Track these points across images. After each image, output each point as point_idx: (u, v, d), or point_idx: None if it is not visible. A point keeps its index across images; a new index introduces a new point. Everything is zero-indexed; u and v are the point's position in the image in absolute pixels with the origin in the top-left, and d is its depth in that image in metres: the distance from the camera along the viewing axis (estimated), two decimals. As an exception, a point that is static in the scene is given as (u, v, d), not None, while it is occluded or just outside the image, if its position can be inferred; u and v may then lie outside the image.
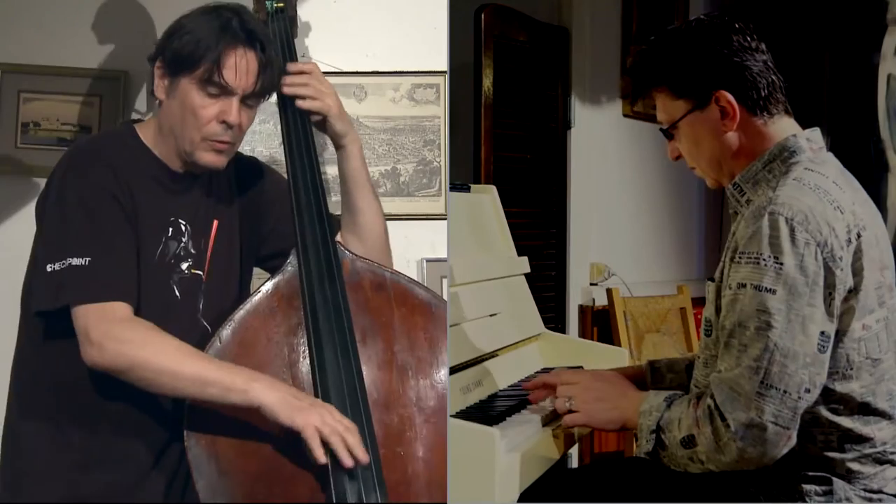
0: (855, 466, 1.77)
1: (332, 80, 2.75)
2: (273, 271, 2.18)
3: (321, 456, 1.81)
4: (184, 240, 2.04)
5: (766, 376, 1.66)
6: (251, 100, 2.01)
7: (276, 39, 2.16)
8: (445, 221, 2.73)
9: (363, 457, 1.83)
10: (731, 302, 1.72)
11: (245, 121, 2.02)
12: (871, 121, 4.24)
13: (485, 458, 1.73)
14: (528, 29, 3.90)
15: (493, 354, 2.34)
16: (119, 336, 1.85)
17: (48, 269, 1.88)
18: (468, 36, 3.64)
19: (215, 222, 2.09)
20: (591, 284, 4.07)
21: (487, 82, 3.67)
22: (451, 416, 1.93)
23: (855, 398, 1.76)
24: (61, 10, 2.64)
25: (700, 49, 1.83)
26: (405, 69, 2.79)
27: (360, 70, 2.77)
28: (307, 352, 1.96)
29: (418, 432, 1.97)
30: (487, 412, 2.04)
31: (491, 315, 2.40)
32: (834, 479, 1.76)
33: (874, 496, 1.78)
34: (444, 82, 2.79)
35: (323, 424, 1.81)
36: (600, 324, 3.99)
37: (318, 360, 1.93)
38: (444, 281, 2.69)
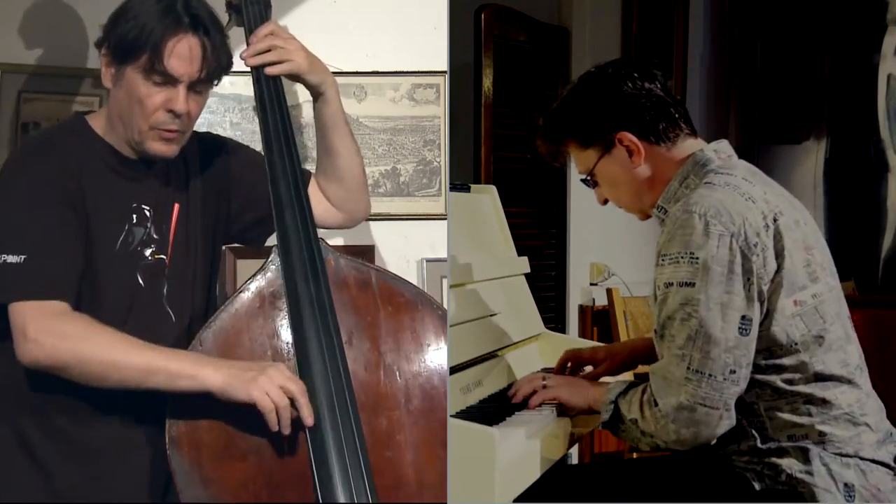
0: (826, 429, 1.84)
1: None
2: (250, 242, 2.15)
3: (275, 425, 1.79)
4: (148, 225, 1.99)
5: (692, 362, 1.79)
6: (199, 86, 1.95)
7: (252, 24, 2.09)
8: (445, 221, 2.73)
9: (309, 420, 1.81)
10: (661, 301, 1.86)
11: (194, 108, 1.95)
12: (871, 121, 4.25)
13: (485, 458, 1.73)
14: (528, 29, 3.90)
15: (493, 354, 2.34)
16: (58, 331, 1.79)
17: None
18: (468, 36, 3.64)
19: (176, 206, 2.03)
20: (591, 284, 4.07)
21: (487, 82, 3.68)
22: (451, 416, 1.93)
23: (808, 368, 1.85)
24: (62, 10, 2.64)
25: (594, 100, 2.01)
26: (405, 69, 2.79)
27: (360, 70, 2.77)
28: (292, 354, 1.91)
29: (407, 434, 1.93)
30: (487, 412, 2.04)
31: (491, 315, 2.40)
32: (810, 447, 1.83)
33: (851, 460, 1.84)
34: (444, 82, 2.79)
35: (274, 390, 1.78)
36: (600, 324, 3.99)
37: (305, 363, 1.88)
38: (444, 281, 2.69)
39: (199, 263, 2.06)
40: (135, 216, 1.97)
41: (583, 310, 4.05)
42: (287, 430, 1.81)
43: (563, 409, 2.08)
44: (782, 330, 1.83)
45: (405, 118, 2.80)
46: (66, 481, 1.92)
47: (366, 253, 2.77)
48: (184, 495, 1.82)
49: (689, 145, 1.99)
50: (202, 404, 1.83)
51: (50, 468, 1.92)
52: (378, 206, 2.77)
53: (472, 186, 2.68)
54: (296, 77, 2.08)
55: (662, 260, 1.85)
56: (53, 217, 1.87)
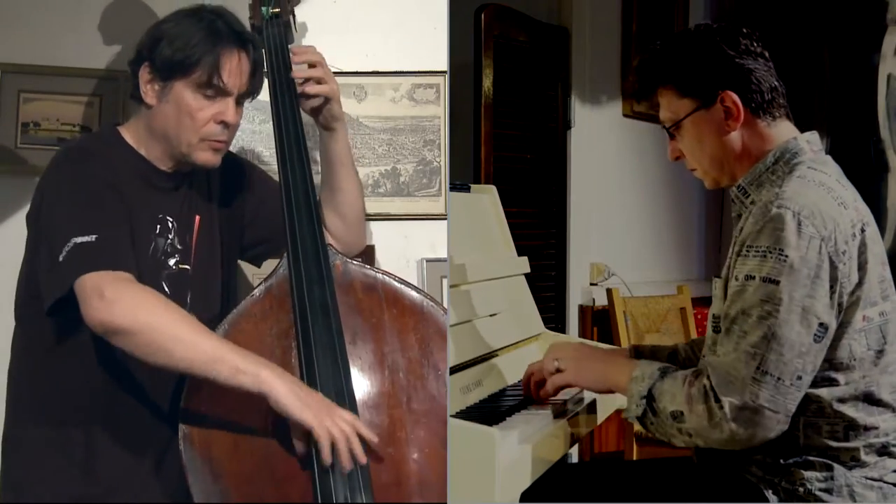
0: (859, 455, 1.80)
1: (332, 80, 2.77)
2: (252, 261, 2.24)
3: (328, 457, 1.81)
4: (170, 236, 2.06)
5: (763, 363, 1.71)
6: (242, 99, 2.08)
7: (272, 44, 2.19)
8: (445, 221, 2.73)
9: (362, 459, 1.84)
10: (737, 292, 1.76)
11: (239, 119, 2.09)
12: (871, 121, 4.24)
13: (485, 458, 1.73)
14: (528, 29, 3.90)
15: (493, 354, 2.34)
16: (134, 296, 1.83)
17: (59, 259, 1.86)
18: (468, 36, 3.64)
19: (197, 217, 2.12)
20: (591, 284, 4.08)
21: (487, 82, 3.68)
22: (451, 416, 1.93)
23: (859, 387, 1.80)
24: (61, 10, 2.64)
25: (708, 50, 1.89)
26: (405, 69, 2.79)
27: (360, 70, 2.76)
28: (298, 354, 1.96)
29: (409, 433, 1.98)
30: (487, 412, 2.04)
31: (491, 315, 2.40)
32: (835, 465, 1.79)
33: (874, 483, 1.81)
34: (444, 82, 2.79)
35: (333, 425, 1.81)
36: (600, 324, 3.99)
37: (308, 363, 1.94)
38: (444, 281, 2.69)
39: (218, 275, 2.14)
40: (159, 226, 2.05)
41: (583, 310, 4.05)
42: (348, 465, 1.83)
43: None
44: (846, 344, 1.78)
45: (405, 118, 2.80)
46: (94, 487, 1.98)
47: (366, 253, 2.77)
48: (194, 488, 1.86)
49: (784, 129, 1.90)
50: (213, 417, 1.88)
51: (84, 474, 1.99)
52: (378, 206, 2.77)
53: (472, 186, 2.67)
54: (321, 104, 2.17)
55: (747, 251, 1.76)
56: (112, 206, 1.94)
